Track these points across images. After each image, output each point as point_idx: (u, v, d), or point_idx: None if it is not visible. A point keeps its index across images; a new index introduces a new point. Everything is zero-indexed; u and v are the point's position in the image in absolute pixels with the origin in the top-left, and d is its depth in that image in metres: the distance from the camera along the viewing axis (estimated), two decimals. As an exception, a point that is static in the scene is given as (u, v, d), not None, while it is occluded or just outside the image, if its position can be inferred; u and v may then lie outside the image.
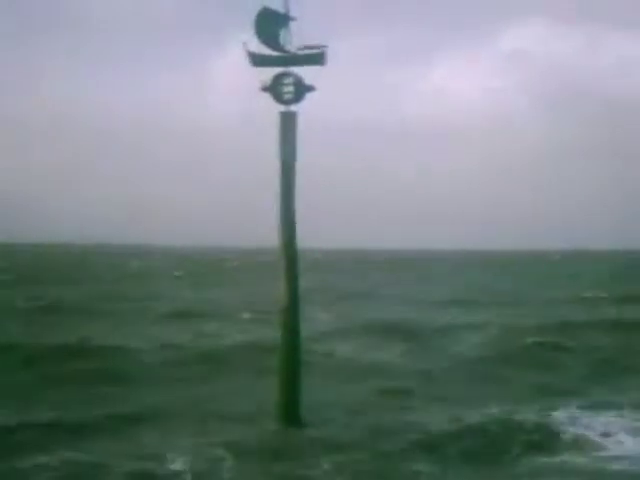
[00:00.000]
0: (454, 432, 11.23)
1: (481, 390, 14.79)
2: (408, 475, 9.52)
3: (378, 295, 38.23)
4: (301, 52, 11.48)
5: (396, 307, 31.08)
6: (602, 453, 10.39)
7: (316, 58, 11.49)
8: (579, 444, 10.74)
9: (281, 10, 11.40)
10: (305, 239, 11.93)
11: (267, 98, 11.55)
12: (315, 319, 23.04)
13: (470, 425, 11.58)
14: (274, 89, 11.47)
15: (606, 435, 11.12)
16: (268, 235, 11.96)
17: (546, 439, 10.97)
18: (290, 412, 11.49)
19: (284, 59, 11.51)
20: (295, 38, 11.46)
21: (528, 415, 12.03)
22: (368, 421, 12.02)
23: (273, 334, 12.21)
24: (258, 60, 11.53)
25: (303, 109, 11.61)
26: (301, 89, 11.47)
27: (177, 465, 9.55)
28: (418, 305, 32.14)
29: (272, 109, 11.58)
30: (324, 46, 11.43)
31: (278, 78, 11.47)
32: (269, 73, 11.52)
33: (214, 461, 9.78)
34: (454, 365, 17.59)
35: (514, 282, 51.57)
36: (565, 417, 12.02)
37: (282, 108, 11.54)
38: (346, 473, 9.43)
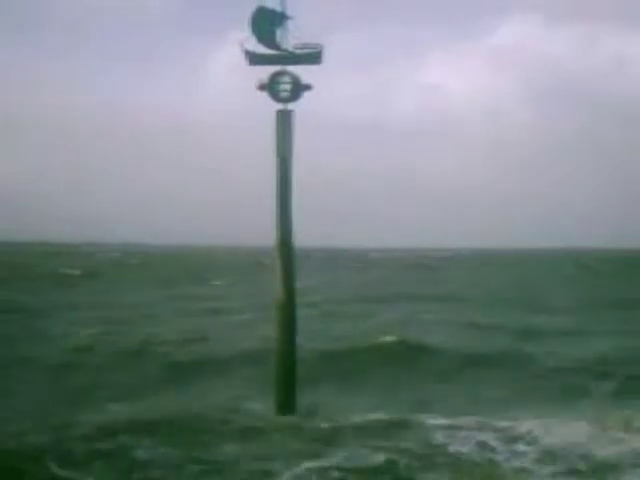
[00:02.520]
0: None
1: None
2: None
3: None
4: (298, 51, 11.51)
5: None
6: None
7: (313, 57, 11.51)
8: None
9: (277, 9, 11.46)
10: (301, 237, 11.99)
11: (265, 97, 11.60)
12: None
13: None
14: (271, 88, 11.51)
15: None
16: (264, 234, 11.99)
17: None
18: (286, 407, 11.59)
19: (281, 58, 11.52)
20: (292, 36, 11.50)
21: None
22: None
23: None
24: (255, 59, 11.55)
25: (300, 107, 11.67)
26: (298, 88, 11.50)
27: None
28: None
29: (270, 107, 11.65)
30: (320, 45, 11.48)
31: (275, 77, 11.51)
32: (267, 72, 11.57)
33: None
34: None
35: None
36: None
37: (279, 106, 11.60)
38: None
